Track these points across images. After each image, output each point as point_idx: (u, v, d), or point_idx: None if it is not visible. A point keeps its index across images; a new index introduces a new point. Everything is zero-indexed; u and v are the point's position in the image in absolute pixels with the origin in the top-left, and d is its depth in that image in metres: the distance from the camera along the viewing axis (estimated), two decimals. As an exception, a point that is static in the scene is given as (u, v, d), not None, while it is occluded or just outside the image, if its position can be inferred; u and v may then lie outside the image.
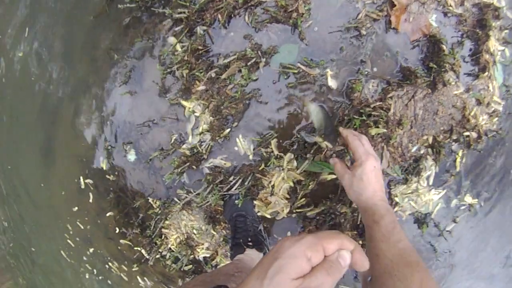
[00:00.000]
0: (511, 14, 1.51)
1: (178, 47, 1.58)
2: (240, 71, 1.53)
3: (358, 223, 1.56)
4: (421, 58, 1.51)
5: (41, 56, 1.93)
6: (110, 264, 2.09)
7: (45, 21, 1.92)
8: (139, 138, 1.74)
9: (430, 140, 1.51)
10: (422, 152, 1.53)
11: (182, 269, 1.84)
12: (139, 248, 1.91)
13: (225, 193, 1.60)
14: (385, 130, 1.44)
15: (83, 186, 1.94)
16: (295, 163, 1.53)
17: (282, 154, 1.54)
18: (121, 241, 1.94)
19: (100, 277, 2.21)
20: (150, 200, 1.78)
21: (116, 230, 1.95)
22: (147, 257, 1.88)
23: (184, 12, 1.55)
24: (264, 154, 1.56)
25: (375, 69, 1.50)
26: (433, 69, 1.46)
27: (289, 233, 1.69)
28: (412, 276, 0.83)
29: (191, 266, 1.84)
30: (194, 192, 1.66)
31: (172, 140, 1.66)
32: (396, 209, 1.60)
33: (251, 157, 1.59)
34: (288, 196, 1.59)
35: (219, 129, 1.58)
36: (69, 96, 1.89)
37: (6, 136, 2.22)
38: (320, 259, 0.53)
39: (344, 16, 1.49)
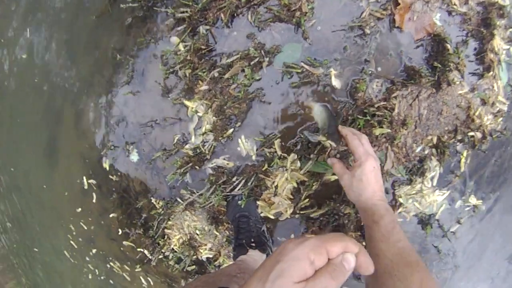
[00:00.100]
0: (516, 13, 1.50)
1: (181, 46, 1.57)
2: (243, 70, 1.52)
3: (362, 224, 1.55)
4: (425, 57, 1.50)
5: (44, 57, 1.93)
6: (112, 263, 2.09)
7: (47, 22, 1.92)
8: (142, 138, 1.73)
9: (435, 140, 1.50)
10: (426, 152, 1.52)
11: (185, 270, 1.83)
12: (141, 249, 1.90)
13: (228, 193, 1.59)
14: (389, 130, 1.43)
15: (86, 187, 1.94)
16: (298, 164, 1.52)
17: (285, 155, 1.53)
18: (124, 242, 1.94)
19: (103, 277, 2.20)
20: (153, 200, 1.78)
21: (119, 231, 1.95)
22: (150, 257, 1.88)
23: (187, 12, 1.54)
24: (268, 154, 1.55)
25: (379, 69, 1.49)
26: (438, 68, 1.45)
27: (292, 235, 1.68)
28: (412, 276, 0.82)
29: (194, 266, 1.84)
30: (197, 192, 1.66)
31: (175, 140, 1.66)
32: (400, 210, 1.59)
33: (254, 157, 1.58)
34: (291, 197, 1.58)
35: (222, 129, 1.57)
36: (72, 96, 1.89)
37: (9, 137, 2.22)
38: (323, 262, 0.52)
39: (347, 15, 1.48)
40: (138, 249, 1.92)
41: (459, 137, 1.51)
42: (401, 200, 1.57)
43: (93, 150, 1.88)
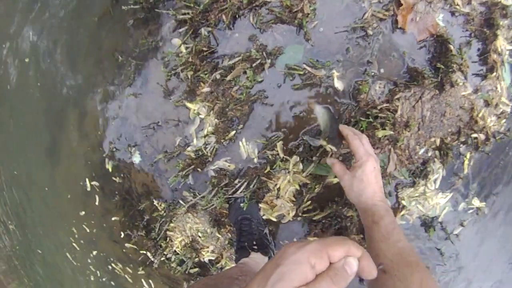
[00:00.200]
0: (520, 13, 1.49)
1: (183, 48, 1.57)
2: (245, 72, 1.51)
3: (364, 226, 1.54)
4: (428, 58, 1.49)
5: (46, 59, 1.93)
6: (114, 265, 2.09)
7: (49, 25, 1.91)
8: (144, 140, 1.73)
9: (438, 142, 1.49)
10: (429, 154, 1.52)
11: (187, 272, 1.83)
12: (144, 251, 1.90)
13: (230, 196, 1.59)
14: (392, 132, 1.43)
15: (89, 189, 1.94)
16: (301, 166, 1.52)
17: (287, 157, 1.53)
18: (126, 244, 1.94)
19: (104, 279, 2.21)
20: (155, 202, 1.78)
21: (121, 233, 1.95)
22: (152, 259, 1.88)
23: (188, 13, 1.53)
24: (270, 156, 1.55)
25: (382, 70, 1.48)
26: (441, 69, 1.44)
27: (295, 239, 1.67)
28: (412, 276, 0.82)
29: (197, 268, 1.84)
30: (199, 194, 1.65)
31: (177, 143, 1.66)
32: (403, 212, 1.58)
33: (255, 160, 1.58)
34: (294, 199, 1.58)
35: (224, 132, 1.56)
36: (74, 98, 1.89)
37: (10, 139, 2.22)
38: (325, 267, 0.51)
39: (350, 16, 1.47)
40: (141, 251, 1.91)
41: (462, 139, 1.50)
42: (404, 202, 1.56)
43: (96, 151, 1.88)
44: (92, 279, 2.24)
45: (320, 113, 1.38)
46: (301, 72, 1.49)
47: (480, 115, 1.48)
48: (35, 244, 2.48)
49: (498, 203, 1.67)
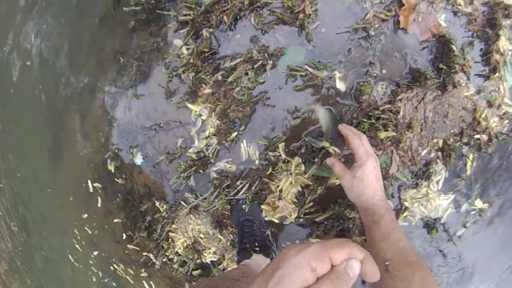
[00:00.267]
0: (522, 13, 1.48)
1: (184, 49, 1.57)
2: (246, 73, 1.51)
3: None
4: (430, 59, 1.48)
5: (48, 62, 1.93)
6: (115, 266, 2.09)
7: (50, 27, 1.91)
8: (146, 141, 1.73)
9: (440, 143, 1.48)
10: (432, 155, 1.51)
11: (189, 273, 1.83)
12: (146, 253, 1.90)
13: (232, 197, 1.59)
14: (394, 134, 1.42)
15: (91, 190, 1.94)
16: (303, 167, 1.51)
17: (289, 158, 1.52)
18: (129, 246, 1.94)
19: (106, 280, 2.21)
20: (157, 203, 1.78)
21: (123, 234, 1.95)
22: (154, 260, 1.88)
23: (190, 14, 1.53)
24: (272, 158, 1.54)
25: (384, 71, 1.48)
26: (443, 70, 1.43)
27: (297, 241, 1.67)
28: (413, 276, 0.82)
29: (199, 270, 1.83)
30: (201, 196, 1.65)
31: (179, 144, 1.65)
32: (405, 214, 1.58)
33: (257, 162, 1.57)
34: (296, 201, 1.58)
35: (226, 133, 1.56)
36: (76, 100, 1.89)
37: (14, 142, 2.22)
38: (326, 270, 0.49)
39: (351, 16, 1.47)
40: (144, 253, 1.91)
41: (465, 140, 1.50)
42: (406, 204, 1.55)
43: (98, 153, 1.88)
44: (94, 280, 2.24)
45: (322, 114, 1.38)
46: (303, 73, 1.48)
47: (482, 116, 1.47)
48: (37, 246, 2.49)
49: (501, 204, 1.66)
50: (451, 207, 1.60)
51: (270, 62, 1.49)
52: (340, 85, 1.48)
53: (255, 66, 1.49)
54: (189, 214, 1.71)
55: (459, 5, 1.44)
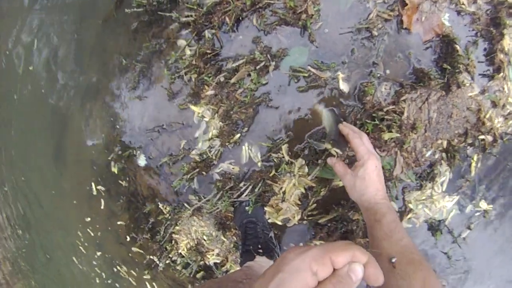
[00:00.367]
0: (526, 12, 1.47)
1: (186, 51, 1.56)
2: (249, 75, 1.50)
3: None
4: (434, 59, 1.47)
5: (51, 66, 1.94)
6: (119, 267, 2.10)
7: (53, 30, 1.92)
8: (149, 143, 1.73)
9: (445, 144, 1.47)
10: (436, 157, 1.50)
11: (192, 275, 1.83)
12: (149, 255, 1.90)
13: (235, 199, 1.58)
14: (398, 135, 1.41)
15: (95, 193, 1.94)
16: (306, 169, 1.51)
17: (293, 160, 1.52)
18: (132, 248, 1.94)
19: (109, 281, 2.21)
20: (160, 205, 1.78)
21: (126, 237, 1.95)
22: (158, 262, 1.88)
23: (192, 16, 1.53)
24: (275, 159, 1.54)
25: (387, 71, 1.47)
26: (447, 70, 1.42)
27: (301, 243, 1.66)
28: (415, 274, 0.82)
29: (202, 272, 1.83)
30: (204, 198, 1.65)
31: (182, 146, 1.65)
32: (409, 215, 1.57)
33: (259, 164, 1.57)
34: (299, 203, 1.57)
35: (229, 135, 1.56)
36: (79, 102, 1.90)
37: (19, 146, 2.23)
38: (328, 273, 0.48)
39: (354, 16, 1.46)
40: (148, 256, 1.91)
41: (469, 141, 1.48)
42: (411, 205, 1.54)
43: (101, 155, 1.88)
44: (97, 281, 2.24)
45: (326, 115, 1.37)
46: (306, 74, 1.47)
47: (487, 116, 1.46)
48: (41, 247, 2.49)
49: (505, 205, 1.65)
50: (456, 208, 1.59)
51: (273, 63, 1.49)
52: (344, 86, 1.47)
53: (258, 67, 1.49)
54: (193, 216, 1.71)
55: (463, 4, 1.43)
